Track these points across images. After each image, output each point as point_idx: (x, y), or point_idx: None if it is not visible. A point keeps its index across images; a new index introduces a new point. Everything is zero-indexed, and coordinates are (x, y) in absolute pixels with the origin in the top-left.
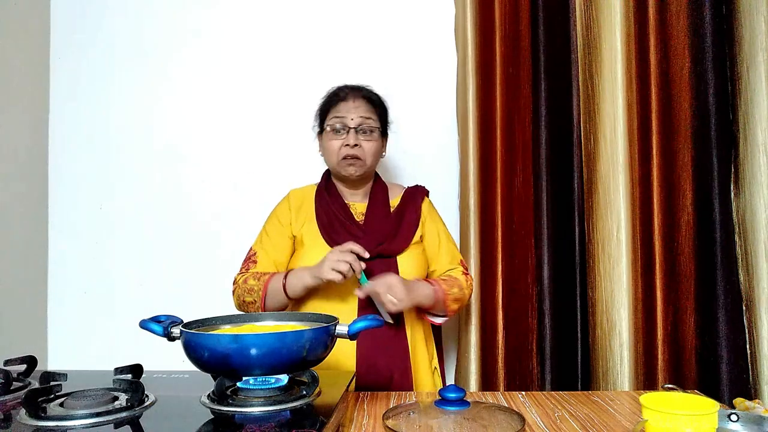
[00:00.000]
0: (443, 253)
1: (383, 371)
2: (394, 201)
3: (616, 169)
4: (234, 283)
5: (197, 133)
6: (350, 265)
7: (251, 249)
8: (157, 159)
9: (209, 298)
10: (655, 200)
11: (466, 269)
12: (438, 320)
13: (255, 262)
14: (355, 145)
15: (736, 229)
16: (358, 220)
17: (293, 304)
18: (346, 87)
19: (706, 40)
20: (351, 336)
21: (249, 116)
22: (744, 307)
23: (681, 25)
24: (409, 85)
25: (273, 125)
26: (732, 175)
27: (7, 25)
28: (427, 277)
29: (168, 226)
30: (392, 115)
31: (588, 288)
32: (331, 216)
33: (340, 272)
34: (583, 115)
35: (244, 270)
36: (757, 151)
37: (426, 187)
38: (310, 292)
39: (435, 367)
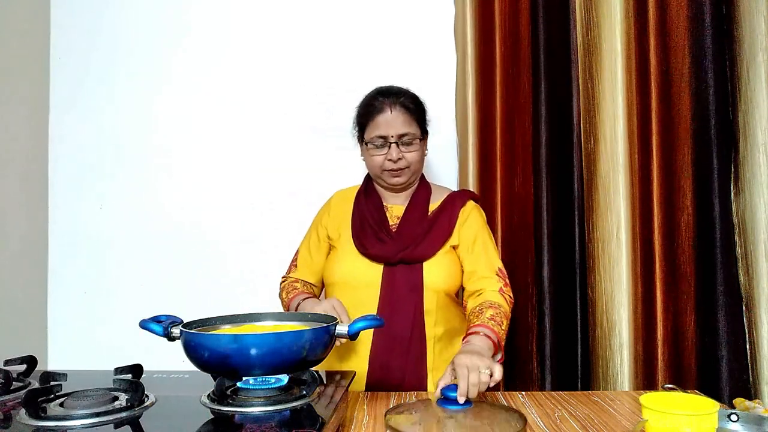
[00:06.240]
0: (478, 259)
1: (395, 372)
2: (434, 205)
3: (616, 169)
4: (280, 285)
5: (197, 133)
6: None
7: (297, 250)
8: (156, 159)
9: (209, 298)
10: (655, 200)
11: (505, 279)
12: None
13: (296, 265)
14: (399, 158)
15: (736, 229)
16: (393, 223)
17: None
18: (380, 94)
19: (706, 40)
20: (351, 336)
21: (249, 116)
22: (744, 307)
23: (681, 25)
24: (409, 85)
25: (272, 126)
26: (732, 175)
27: (7, 25)
28: (477, 321)
29: (168, 226)
30: None
31: (588, 288)
32: (363, 220)
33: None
34: (583, 115)
35: (287, 273)
36: (757, 151)
37: (474, 191)
38: (336, 283)
39: None
